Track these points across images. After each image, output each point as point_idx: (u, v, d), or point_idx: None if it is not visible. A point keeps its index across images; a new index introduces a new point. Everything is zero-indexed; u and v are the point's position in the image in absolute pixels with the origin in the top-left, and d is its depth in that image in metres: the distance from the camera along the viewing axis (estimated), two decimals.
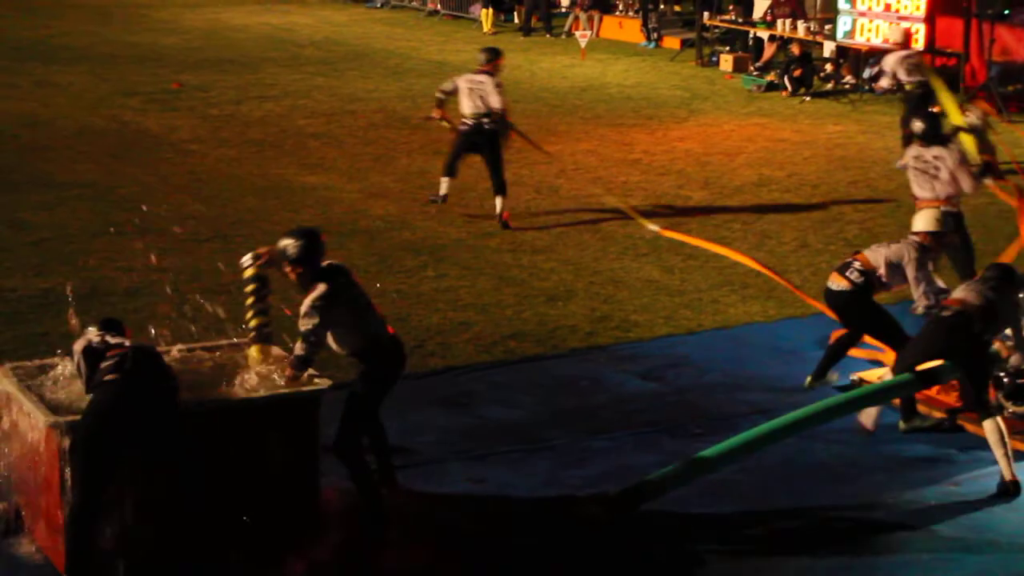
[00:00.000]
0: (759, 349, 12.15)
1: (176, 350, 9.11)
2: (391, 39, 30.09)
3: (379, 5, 35.13)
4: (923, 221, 10.98)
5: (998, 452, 9.69)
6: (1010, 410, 10.39)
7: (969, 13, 21.87)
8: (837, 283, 10.93)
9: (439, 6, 33.75)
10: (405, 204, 16.59)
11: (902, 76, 18.12)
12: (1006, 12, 21.35)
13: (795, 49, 23.98)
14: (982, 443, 10.05)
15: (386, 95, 23.67)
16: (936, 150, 12.59)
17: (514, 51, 28.42)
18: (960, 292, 10.16)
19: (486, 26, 31.31)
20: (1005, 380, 10.44)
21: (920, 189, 12.67)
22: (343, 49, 28.43)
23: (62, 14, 33.29)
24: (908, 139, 14.94)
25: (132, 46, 28.54)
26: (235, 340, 9.37)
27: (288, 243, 8.75)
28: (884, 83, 18.58)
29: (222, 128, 20.90)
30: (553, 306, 13.23)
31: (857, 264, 10.91)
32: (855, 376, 11.22)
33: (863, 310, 10.95)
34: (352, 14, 34.20)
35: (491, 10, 31.51)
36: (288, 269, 8.81)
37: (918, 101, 17.48)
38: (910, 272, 10.72)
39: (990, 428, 9.72)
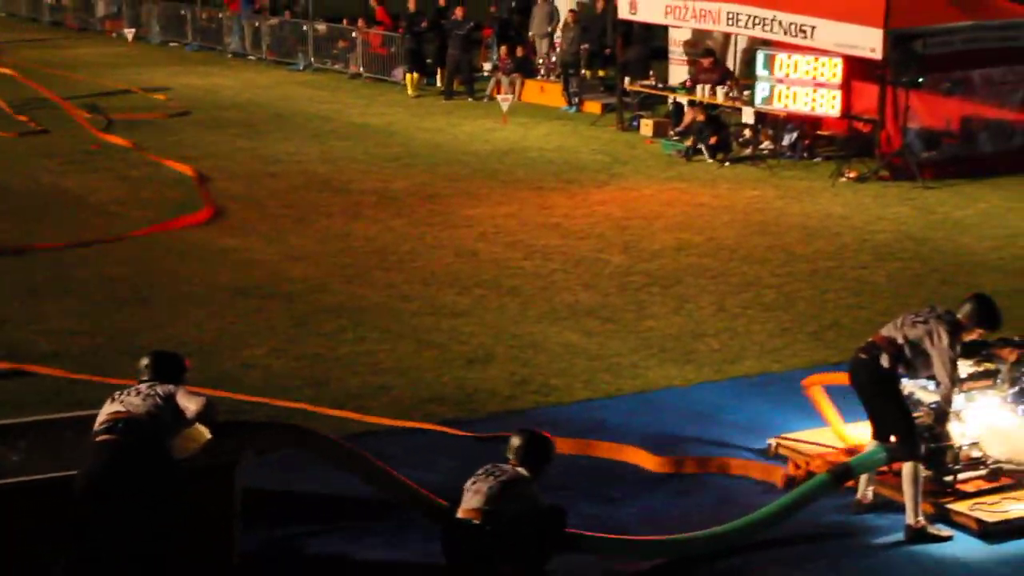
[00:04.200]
0: (677, 413, 12.19)
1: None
2: (313, 102, 30.11)
3: (302, 68, 35.16)
4: None
5: (907, 494, 9.83)
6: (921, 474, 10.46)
7: (884, 80, 22.22)
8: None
9: (361, 69, 33.84)
10: (325, 267, 16.57)
11: None
12: (920, 80, 21.71)
13: (699, 116, 24.14)
14: (899, 508, 10.18)
15: (307, 158, 23.66)
16: None
17: (436, 114, 28.58)
18: (886, 328, 10.14)
19: (410, 89, 31.44)
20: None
21: None
22: (265, 111, 28.43)
23: None
24: None
25: (50, 106, 28.36)
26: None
27: None
28: None
29: (142, 189, 20.81)
30: (472, 370, 13.24)
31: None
32: (771, 440, 11.29)
33: None
34: (275, 77, 34.23)
35: (415, 74, 31.64)
36: None
37: None
38: None
39: (906, 471, 9.84)
